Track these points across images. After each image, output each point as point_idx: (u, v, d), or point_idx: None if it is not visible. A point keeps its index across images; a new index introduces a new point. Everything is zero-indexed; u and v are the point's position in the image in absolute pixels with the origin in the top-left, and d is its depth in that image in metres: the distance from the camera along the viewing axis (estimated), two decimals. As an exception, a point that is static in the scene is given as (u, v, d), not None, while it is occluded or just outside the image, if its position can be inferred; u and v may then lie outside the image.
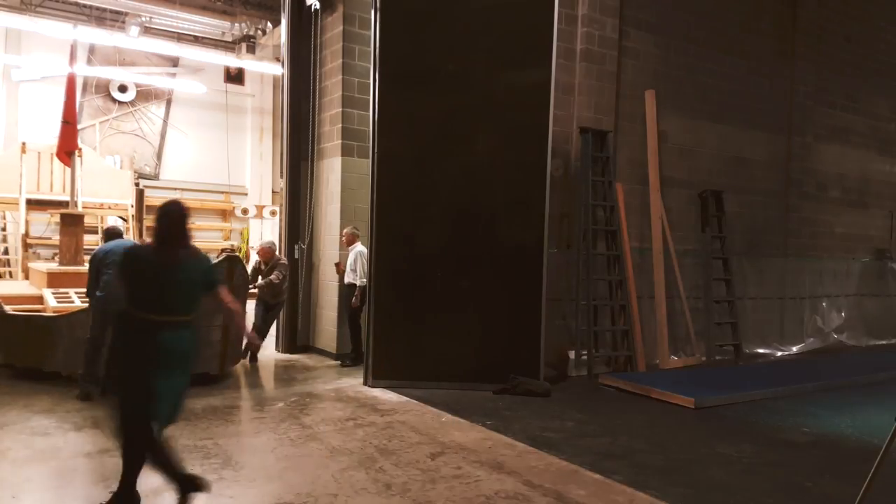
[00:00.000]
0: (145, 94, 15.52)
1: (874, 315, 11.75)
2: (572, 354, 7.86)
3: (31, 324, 6.86)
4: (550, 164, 7.02)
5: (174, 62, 15.56)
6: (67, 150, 9.17)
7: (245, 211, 16.13)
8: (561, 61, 7.64)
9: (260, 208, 16.29)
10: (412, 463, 4.53)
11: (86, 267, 8.47)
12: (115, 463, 3.74)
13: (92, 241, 11.81)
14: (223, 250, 7.67)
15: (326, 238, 8.56)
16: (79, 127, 13.72)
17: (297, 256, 8.67)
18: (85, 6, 13.33)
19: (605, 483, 4.28)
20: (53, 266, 8.87)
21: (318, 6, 8.51)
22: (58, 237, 12.82)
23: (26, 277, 10.79)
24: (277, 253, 8.36)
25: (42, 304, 7.75)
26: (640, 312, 8.29)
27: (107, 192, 12.55)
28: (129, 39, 13.29)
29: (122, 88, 15.20)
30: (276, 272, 7.89)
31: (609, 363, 8.14)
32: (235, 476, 4.19)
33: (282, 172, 8.98)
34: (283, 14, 8.91)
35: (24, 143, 11.87)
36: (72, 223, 8.99)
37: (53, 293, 7.74)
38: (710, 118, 9.46)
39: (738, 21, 9.68)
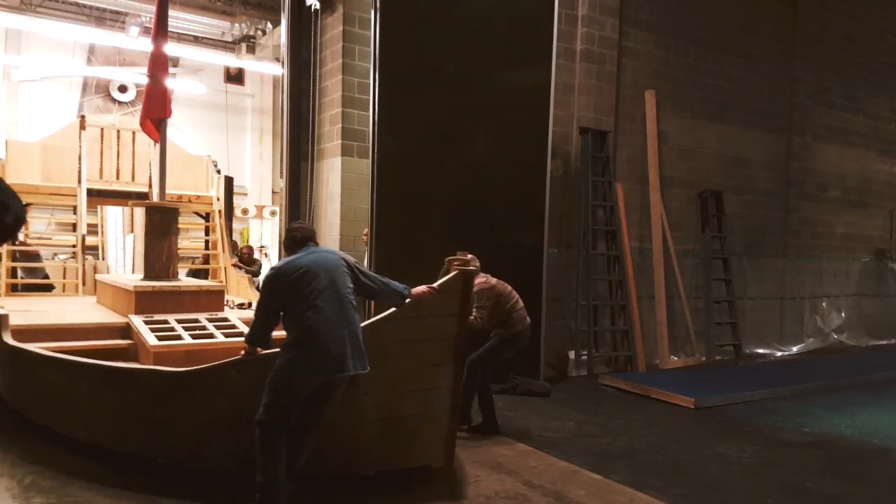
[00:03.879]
0: (145, 94, 15.50)
1: (874, 315, 11.75)
2: (572, 354, 7.87)
3: (138, 381, 4.11)
4: (550, 164, 7.03)
5: (174, 62, 15.50)
6: (156, 117, 6.49)
7: (245, 211, 16.08)
8: (561, 61, 7.65)
9: (260, 208, 16.25)
10: (412, 463, 4.51)
11: (183, 282, 6.30)
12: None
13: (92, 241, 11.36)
14: (452, 261, 4.54)
15: (327, 238, 8.55)
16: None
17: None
18: (85, 6, 13.33)
19: (605, 483, 4.28)
20: (139, 280, 6.09)
21: (318, 6, 8.52)
22: (59, 237, 12.22)
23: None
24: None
25: (130, 339, 5.27)
26: (640, 312, 8.29)
27: (179, 181, 9.75)
28: (129, 39, 13.28)
29: (122, 88, 15.17)
30: (475, 310, 4.98)
31: (609, 363, 8.14)
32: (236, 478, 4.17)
33: (282, 172, 8.97)
34: (283, 14, 8.91)
35: (83, 118, 9.41)
36: (162, 221, 6.22)
37: (146, 322, 5.19)
38: (710, 118, 9.46)
39: (738, 21, 9.67)
